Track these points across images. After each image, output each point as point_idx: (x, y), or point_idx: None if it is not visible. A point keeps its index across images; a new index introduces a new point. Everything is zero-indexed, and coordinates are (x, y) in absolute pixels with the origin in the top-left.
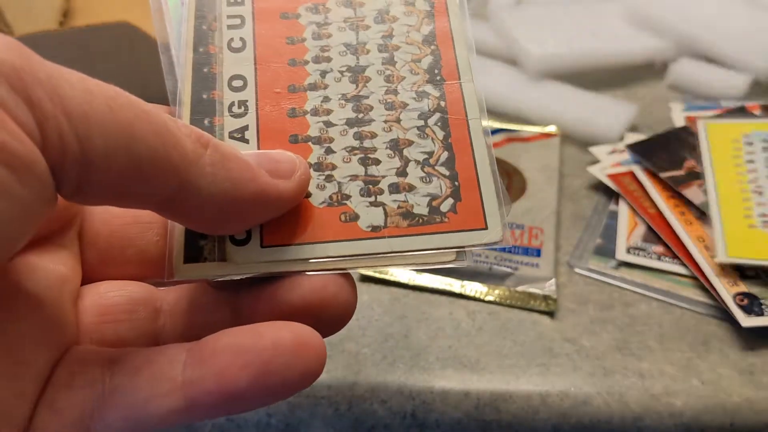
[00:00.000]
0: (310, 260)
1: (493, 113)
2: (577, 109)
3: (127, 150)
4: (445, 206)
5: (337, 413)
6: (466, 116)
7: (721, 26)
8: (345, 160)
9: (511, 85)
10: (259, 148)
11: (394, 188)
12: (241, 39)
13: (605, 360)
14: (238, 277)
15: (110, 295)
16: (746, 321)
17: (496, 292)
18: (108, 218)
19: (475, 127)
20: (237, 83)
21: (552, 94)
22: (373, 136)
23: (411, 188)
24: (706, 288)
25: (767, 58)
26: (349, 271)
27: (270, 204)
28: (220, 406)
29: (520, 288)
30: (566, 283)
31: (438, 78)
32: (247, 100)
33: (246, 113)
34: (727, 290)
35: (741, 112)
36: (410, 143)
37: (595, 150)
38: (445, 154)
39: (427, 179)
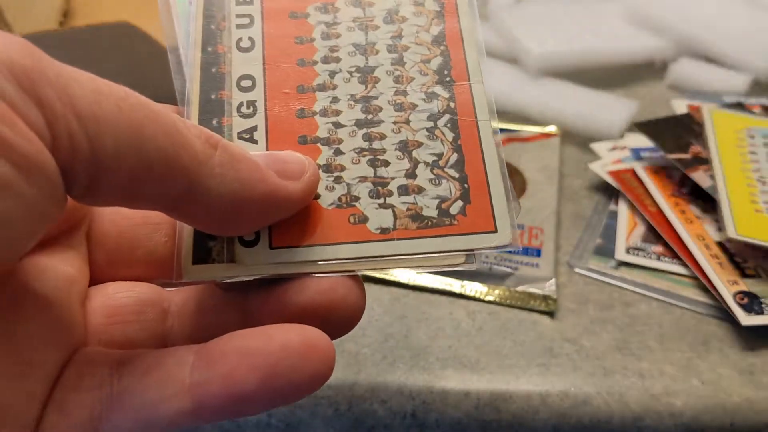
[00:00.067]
0: (319, 262)
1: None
2: (577, 106)
3: (137, 150)
4: (454, 209)
5: (337, 413)
6: (476, 118)
7: (721, 26)
8: (354, 161)
9: (512, 83)
10: (267, 149)
11: (403, 190)
12: (250, 39)
13: (605, 360)
14: (247, 279)
15: (118, 296)
16: (746, 320)
17: (496, 292)
18: (116, 219)
19: (484, 129)
20: (246, 83)
21: (552, 91)
22: (383, 137)
23: (420, 190)
24: (706, 288)
25: (767, 58)
26: (358, 273)
27: (279, 205)
28: (227, 408)
29: (520, 288)
30: (566, 283)
31: (447, 79)
32: (255, 101)
33: (255, 113)
34: (727, 289)
35: (740, 107)
36: (419, 145)
37: (596, 146)
38: (455, 156)
39: (437, 181)
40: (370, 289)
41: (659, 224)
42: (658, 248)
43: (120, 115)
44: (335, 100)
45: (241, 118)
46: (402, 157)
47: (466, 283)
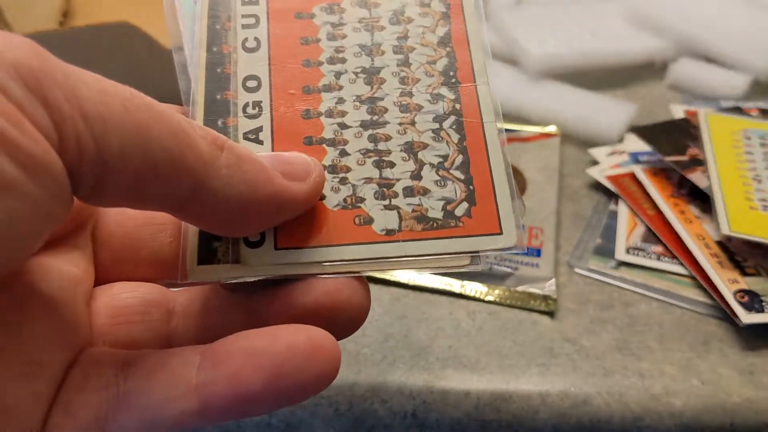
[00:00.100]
0: (324, 263)
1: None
2: (577, 108)
3: (143, 151)
4: (459, 210)
5: (337, 413)
6: (482, 119)
7: (721, 26)
8: (359, 162)
9: (511, 84)
10: (273, 150)
11: (409, 192)
12: (256, 39)
13: (605, 360)
14: (252, 280)
15: (123, 296)
16: (746, 318)
17: (496, 292)
18: (121, 219)
19: (490, 131)
20: (251, 84)
21: (552, 93)
22: (388, 138)
23: (425, 192)
24: (706, 288)
25: (767, 58)
26: (362, 274)
27: (285, 207)
28: (233, 408)
29: (520, 288)
30: (566, 283)
31: (453, 80)
32: (261, 101)
33: (260, 114)
34: (727, 287)
35: (737, 111)
36: (425, 146)
37: (594, 151)
38: (460, 158)
39: (442, 183)
40: (371, 289)
41: (658, 227)
42: (658, 248)
43: (126, 116)
44: (341, 101)
45: (247, 118)
46: (407, 158)
47: (466, 283)
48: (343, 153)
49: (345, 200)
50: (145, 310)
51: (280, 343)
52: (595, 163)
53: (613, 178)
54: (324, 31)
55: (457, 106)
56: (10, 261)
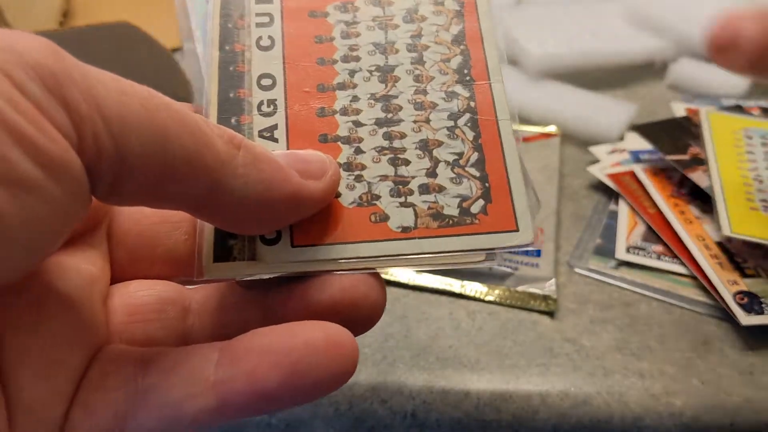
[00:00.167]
0: (340, 260)
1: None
2: (577, 108)
3: (161, 151)
4: (475, 207)
5: (337, 413)
6: (496, 117)
7: None
8: (374, 160)
9: (511, 84)
10: (288, 148)
11: (424, 189)
12: (270, 37)
13: (605, 360)
14: (268, 276)
15: (139, 294)
16: (746, 319)
17: (496, 292)
18: (137, 217)
19: (505, 128)
20: (266, 82)
21: (552, 93)
22: (403, 136)
23: (441, 189)
24: (706, 288)
25: None
26: (378, 271)
27: (301, 205)
28: (251, 405)
29: (520, 288)
30: (566, 283)
31: (467, 78)
32: (276, 99)
33: (275, 112)
34: (727, 289)
35: (739, 109)
36: (440, 144)
37: (594, 149)
38: (475, 155)
39: (458, 180)
40: None
41: (659, 226)
42: (659, 247)
43: (144, 115)
44: (355, 98)
45: (262, 116)
46: (422, 156)
47: (466, 283)
48: (358, 150)
49: (360, 198)
50: (161, 308)
51: (298, 340)
52: (595, 161)
53: (613, 176)
54: (338, 30)
55: (472, 103)
56: (30, 261)
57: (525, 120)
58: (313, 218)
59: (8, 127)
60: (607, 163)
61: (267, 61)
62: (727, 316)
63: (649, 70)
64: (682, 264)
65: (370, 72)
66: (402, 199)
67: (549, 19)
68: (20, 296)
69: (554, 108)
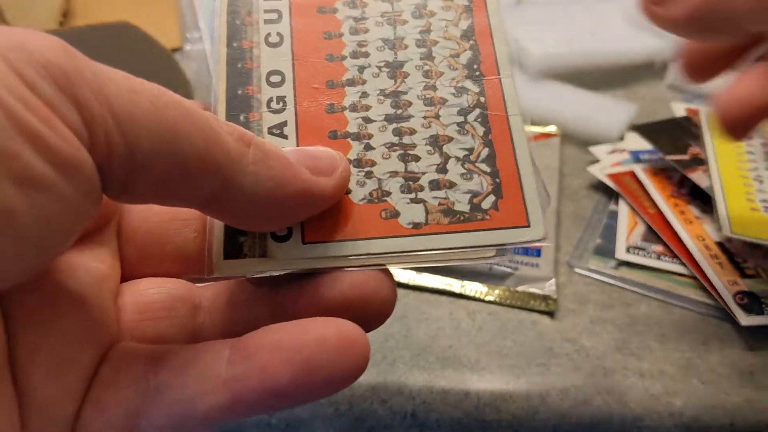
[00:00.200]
0: (351, 257)
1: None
2: (577, 108)
3: (172, 149)
4: (486, 203)
5: (337, 413)
6: (506, 112)
7: None
8: (384, 156)
9: None
10: (298, 144)
11: (435, 185)
12: (279, 34)
13: (605, 360)
14: (278, 273)
15: (149, 292)
16: (746, 320)
17: (496, 292)
18: (145, 215)
19: (515, 124)
20: (275, 78)
21: (552, 93)
22: (413, 132)
23: (451, 185)
24: (706, 288)
25: None
26: (390, 267)
27: (311, 202)
28: (263, 402)
29: (520, 288)
30: (566, 283)
31: (477, 74)
32: (285, 96)
33: (284, 109)
34: (727, 289)
35: None
36: (450, 139)
37: (594, 149)
38: (486, 151)
39: (468, 176)
40: None
41: (659, 226)
42: (659, 247)
43: (155, 114)
44: (365, 95)
45: (271, 113)
46: (433, 151)
47: (466, 283)
48: (368, 147)
49: (371, 194)
50: (171, 305)
51: (310, 336)
52: (595, 161)
53: (613, 176)
54: (347, 26)
55: (482, 99)
56: (42, 260)
57: (525, 120)
58: (323, 215)
59: (20, 126)
60: (607, 163)
61: (276, 58)
62: (727, 316)
63: (649, 70)
64: (682, 264)
65: (379, 68)
66: (412, 195)
67: (549, 19)
68: (31, 295)
69: (554, 108)
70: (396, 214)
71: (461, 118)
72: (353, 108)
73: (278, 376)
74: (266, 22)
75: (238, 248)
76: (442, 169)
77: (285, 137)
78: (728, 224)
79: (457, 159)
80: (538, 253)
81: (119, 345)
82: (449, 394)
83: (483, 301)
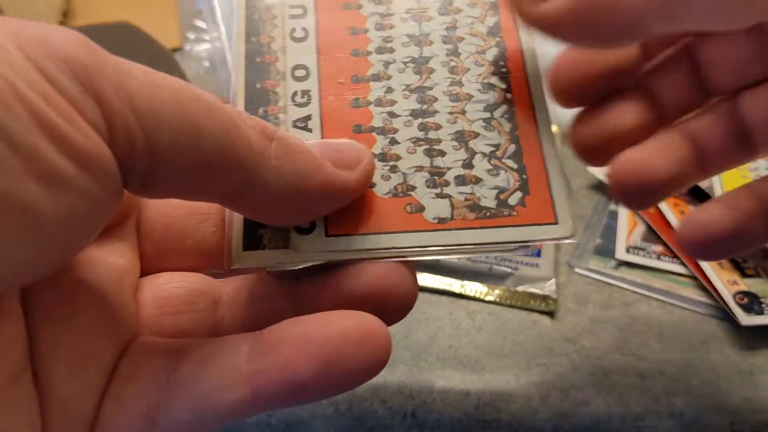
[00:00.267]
0: (375, 250)
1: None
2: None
3: (193, 144)
4: (513, 199)
5: (337, 413)
6: (533, 109)
7: None
8: (410, 150)
9: None
10: (322, 138)
11: (461, 180)
12: (304, 29)
13: (605, 360)
14: (301, 266)
15: (169, 286)
16: (746, 320)
17: (496, 292)
18: (164, 210)
19: (542, 120)
20: (300, 73)
21: None
22: (438, 127)
23: (478, 180)
24: (706, 288)
25: None
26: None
27: (335, 195)
28: (284, 396)
29: (520, 288)
30: (566, 283)
31: (503, 70)
32: (310, 90)
33: (309, 102)
34: (727, 289)
35: None
36: (476, 135)
37: None
38: (512, 147)
39: (495, 172)
40: None
41: (659, 226)
42: (659, 247)
43: (177, 109)
44: (390, 90)
45: (296, 106)
46: (459, 147)
47: (466, 283)
48: (393, 141)
49: (396, 188)
50: (191, 299)
51: (331, 330)
52: None
53: None
54: (372, 22)
55: (508, 95)
56: (63, 256)
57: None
58: (347, 208)
59: (40, 120)
60: None
61: (301, 53)
62: (727, 316)
63: None
64: (682, 264)
65: (405, 63)
66: (438, 190)
67: None
68: (51, 290)
69: (554, 107)
70: (421, 209)
71: (487, 114)
72: (378, 103)
73: (299, 369)
74: (291, 17)
75: (258, 240)
76: (468, 164)
77: (309, 130)
78: None
79: (483, 155)
80: (538, 253)
81: (139, 339)
82: (449, 394)
83: (483, 301)
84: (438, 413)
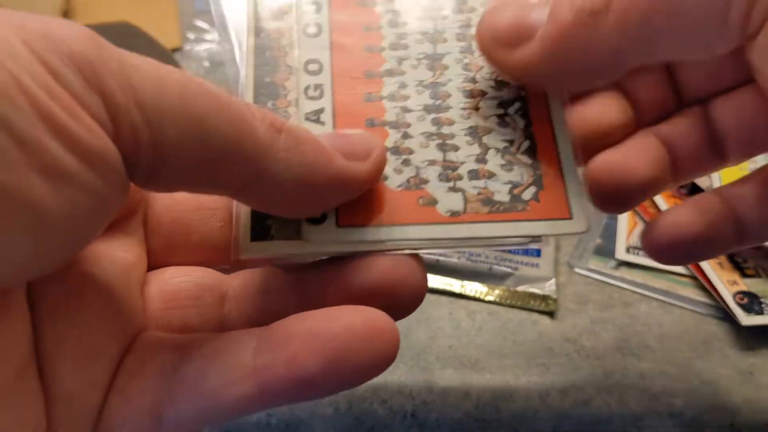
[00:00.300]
0: (387, 242)
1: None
2: None
3: (200, 140)
4: (527, 194)
5: (337, 413)
6: (548, 105)
7: None
8: (422, 145)
9: None
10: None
11: (474, 174)
12: (318, 24)
13: (605, 360)
14: (308, 256)
15: (176, 281)
16: (746, 320)
17: (496, 292)
18: (171, 205)
19: (556, 116)
20: (313, 67)
21: None
22: (451, 122)
23: (491, 175)
24: (706, 288)
25: None
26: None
27: (345, 187)
28: (291, 392)
29: (520, 288)
30: (566, 283)
31: None
32: (322, 84)
33: (322, 96)
34: (727, 289)
35: None
36: (490, 131)
37: None
38: (527, 143)
39: (508, 167)
40: None
41: None
42: None
43: (183, 104)
44: (403, 85)
45: (309, 100)
46: (472, 142)
47: (466, 283)
48: (406, 135)
49: (408, 181)
50: (197, 294)
51: (339, 325)
52: None
53: None
54: (386, 19)
55: (522, 92)
56: (69, 252)
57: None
58: (359, 199)
59: (44, 115)
60: None
61: (314, 47)
62: (727, 316)
63: None
64: None
65: (418, 60)
66: (451, 184)
67: None
68: (57, 285)
69: None
70: (433, 202)
71: (501, 111)
72: (391, 97)
73: (306, 365)
74: (305, 12)
75: (266, 230)
76: (481, 159)
77: (322, 124)
78: None
79: (497, 150)
80: (538, 253)
81: (144, 334)
82: (449, 394)
83: (483, 301)
84: (438, 413)
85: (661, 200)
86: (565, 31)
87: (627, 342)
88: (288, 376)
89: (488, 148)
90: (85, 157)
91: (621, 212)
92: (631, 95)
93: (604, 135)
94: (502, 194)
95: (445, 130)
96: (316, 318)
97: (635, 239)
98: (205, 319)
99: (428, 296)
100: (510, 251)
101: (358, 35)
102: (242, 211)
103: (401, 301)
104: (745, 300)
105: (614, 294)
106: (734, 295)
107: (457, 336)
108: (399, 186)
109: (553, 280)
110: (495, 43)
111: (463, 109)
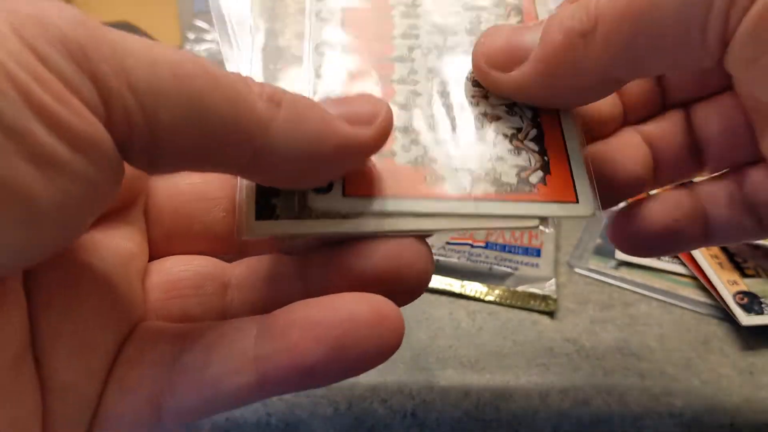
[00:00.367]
0: (394, 214)
1: None
2: None
3: (196, 121)
4: (534, 178)
5: (337, 413)
6: None
7: None
8: (431, 126)
9: None
10: None
11: (482, 157)
12: (330, 11)
13: (605, 360)
14: (313, 235)
15: (176, 270)
16: (746, 320)
17: (496, 292)
18: (173, 194)
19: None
20: (323, 49)
21: None
22: (461, 107)
23: (499, 158)
24: (706, 288)
25: None
26: (433, 233)
27: (350, 155)
28: (293, 381)
29: (520, 288)
30: (566, 283)
31: None
32: (333, 66)
33: (332, 77)
34: (727, 289)
35: None
36: (498, 118)
37: None
38: (534, 131)
39: (516, 152)
40: None
41: None
42: None
43: (177, 86)
44: (413, 71)
45: (318, 78)
46: (481, 127)
47: (466, 283)
48: (415, 116)
49: (416, 159)
50: (198, 283)
51: (342, 313)
52: None
53: None
54: (398, 11)
55: None
56: (60, 240)
57: None
58: (366, 171)
59: (31, 103)
60: None
61: (325, 33)
62: (727, 316)
63: None
64: (682, 264)
65: (429, 49)
66: (459, 164)
67: None
68: (55, 274)
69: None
70: (441, 179)
71: (509, 100)
72: (401, 81)
73: (309, 354)
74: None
75: (271, 209)
76: (490, 143)
77: None
78: None
79: (505, 136)
80: (538, 253)
81: (144, 324)
82: (449, 394)
83: (483, 301)
84: (438, 413)
85: None
86: (556, 53)
87: (627, 342)
88: (290, 365)
89: (497, 134)
90: (76, 144)
91: (605, 207)
92: (620, 90)
93: (598, 125)
94: (509, 176)
95: (455, 113)
96: (319, 305)
97: None
98: (207, 309)
99: (428, 296)
100: (510, 251)
101: (370, 23)
102: (245, 190)
103: (406, 286)
104: (745, 300)
105: (614, 294)
106: (734, 295)
107: (457, 336)
108: (407, 162)
109: (553, 280)
110: (490, 65)
111: (473, 96)
